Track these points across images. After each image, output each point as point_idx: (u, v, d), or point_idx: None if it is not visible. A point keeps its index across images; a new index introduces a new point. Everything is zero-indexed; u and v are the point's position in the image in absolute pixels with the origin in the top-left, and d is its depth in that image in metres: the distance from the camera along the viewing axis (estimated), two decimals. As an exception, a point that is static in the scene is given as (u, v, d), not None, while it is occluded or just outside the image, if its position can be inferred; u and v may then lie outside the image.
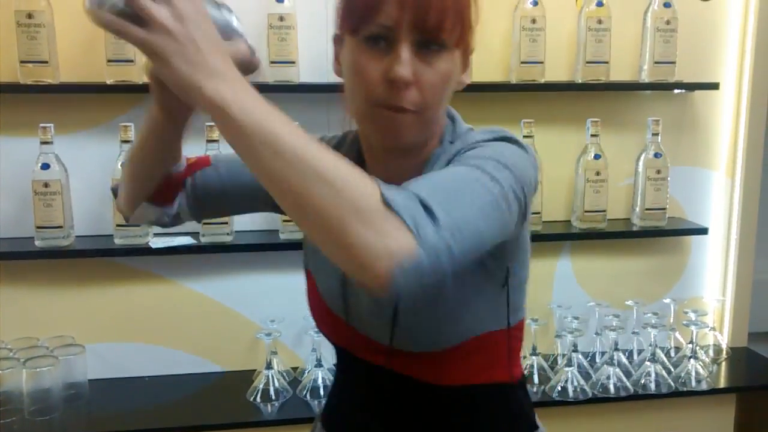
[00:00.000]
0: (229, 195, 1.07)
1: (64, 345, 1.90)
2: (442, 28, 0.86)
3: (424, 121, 0.90)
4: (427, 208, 0.71)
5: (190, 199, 1.05)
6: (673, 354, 2.18)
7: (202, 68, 0.70)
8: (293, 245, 1.96)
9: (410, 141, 0.91)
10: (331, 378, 1.93)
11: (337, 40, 0.96)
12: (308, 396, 1.90)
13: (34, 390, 1.80)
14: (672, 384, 2.02)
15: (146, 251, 1.88)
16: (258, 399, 1.89)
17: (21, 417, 1.79)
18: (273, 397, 1.89)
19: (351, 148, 1.02)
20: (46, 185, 1.82)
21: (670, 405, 2.06)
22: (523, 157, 0.89)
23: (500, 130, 0.93)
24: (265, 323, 2.01)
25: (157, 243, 1.89)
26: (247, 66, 0.78)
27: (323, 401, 1.86)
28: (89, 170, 1.93)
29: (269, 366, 1.92)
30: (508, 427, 1.06)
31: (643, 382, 2.02)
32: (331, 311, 1.03)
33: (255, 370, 2.01)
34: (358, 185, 0.70)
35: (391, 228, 0.68)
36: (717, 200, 2.30)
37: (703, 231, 2.20)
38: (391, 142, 0.92)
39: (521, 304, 1.02)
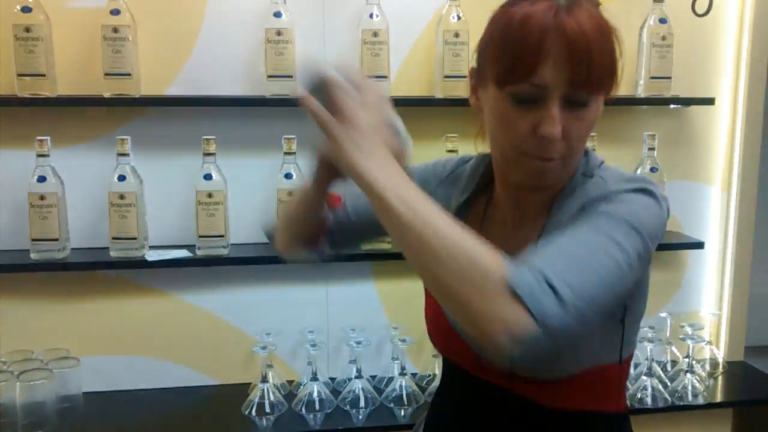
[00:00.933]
0: (359, 230, 1.17)
1: (58, 358, 1.89)
2: (598, 86, 0.88)
3: (568, 166, 0.94)
4: (551, 287, 0.76)
5: (331, 241, 1.14)
6: (669, 368, 2.18)
7: (367, 154, 0.82)
8: (289, 258, 1.96)
9: (554, 183, 0.96)
10: (327, 392, 1.93)
11: (475, 75, 0.98)
12: (303, 410, 1.89)
13: (27, 403, 1.79)
14: (668, 398, 2.02)
15: (142, 264, 1.88)
16: (253, 413, 1.88)
17: (14, 430, 1.78)
18: (268, 411, 1.88)
19: (482, 169, 1.08)
20: (42, 198, 1.82)
21: (667, 419, 2.06)
22: (657, 213, 0.90)
23: (641, 180, 0.93)
24: (261, 336, 2.00)
25: (152, 256, 1.89)
26: (399, 158, 0.86)
27: (318, 415, 1.86)
28: (86, 183, 1.93)
29: (264, 379, 1.91)
30: None
31: (639, 396, 2.01)
32: (451, 327, 1.04)
33: (250, 384, 2.00)
34: (483, 263, 0.76)
35: (511, 307, 0.74)
36: (713, 215, 2.30)
37: (700, 245, 2.20)
38: (535, 184, 0.95)
39: (634, 338, 1.04)
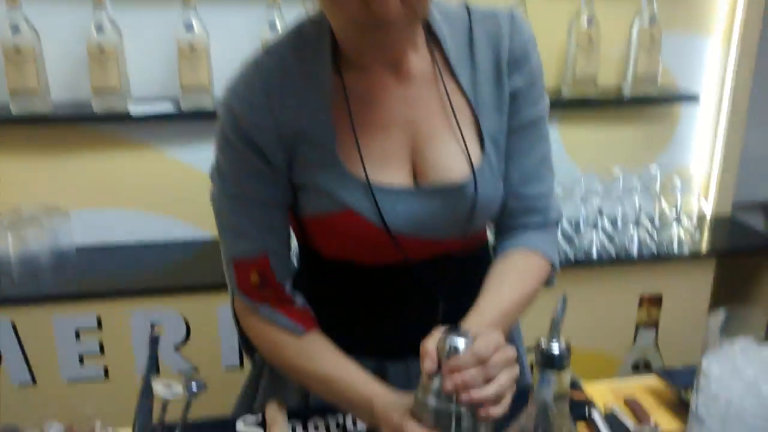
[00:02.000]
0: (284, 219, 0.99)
1: (48, 211, 1.90)
2: None
3: (416, 24, 0.86)
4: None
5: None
6: (657, 220, 2.20)
7: None
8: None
9: (403, 49, 0.91)
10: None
11: None
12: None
13: (21, 255, 1.82)
14: (654, 249, 2.05)
15: (126, 118, 1.85)
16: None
17: (11, 280, 1.81)
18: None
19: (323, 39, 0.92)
20: (17, 50, 1.76)
21: (652, 269, 2.10)
22: None
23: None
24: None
25: (136, 109, 1.86)
26: None
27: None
28: (62, 35, 1.86)
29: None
30: None
31: (626, 246, 2.05)
32: (388, 234, 0.93)
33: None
34: None
35: None
36: (710, 68, 2.25)
37: (694, 98, 2.17)
38: (384, 57, 0.89)
39: None
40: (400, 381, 1.00)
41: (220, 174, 0.96)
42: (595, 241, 2.02)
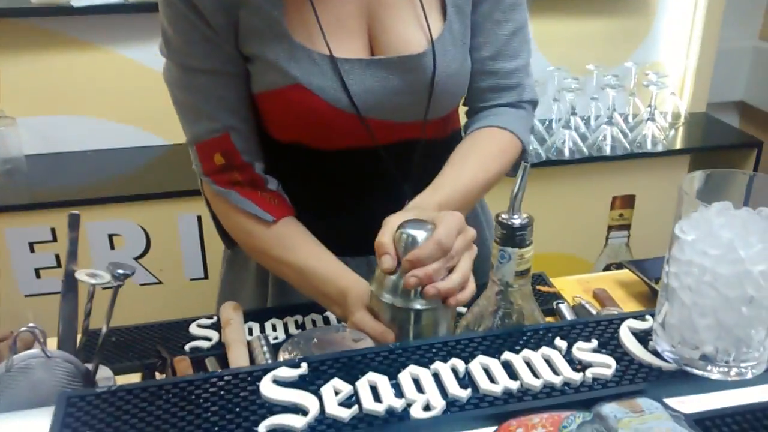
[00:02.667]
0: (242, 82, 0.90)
1: (-8, 117, 1.79)
2: None
3: None
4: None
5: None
6: (631, 119, 2.14)
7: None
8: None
9: None
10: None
11: None
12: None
13: (-34, 164, 1.72)
14: (628, 147, 2.00)
15: (68, 11, 1.72)
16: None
17: (-45, 191, 1.73)
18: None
19: None
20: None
21: (625, 167, 2.05)
22: None
23: None
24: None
25: (79, 2, 1.73)
26: None
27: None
28: None
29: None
30: None
31: (598, 145, 1.99)
32: (343, 112, 0.88)
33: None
34: None
35: None
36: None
37: (671, -12, 2.08)
38: None
39: None
40: (362, 277, 0.94)
41: (166, 42, 0.87)
42: (567, 140, 1.96)
